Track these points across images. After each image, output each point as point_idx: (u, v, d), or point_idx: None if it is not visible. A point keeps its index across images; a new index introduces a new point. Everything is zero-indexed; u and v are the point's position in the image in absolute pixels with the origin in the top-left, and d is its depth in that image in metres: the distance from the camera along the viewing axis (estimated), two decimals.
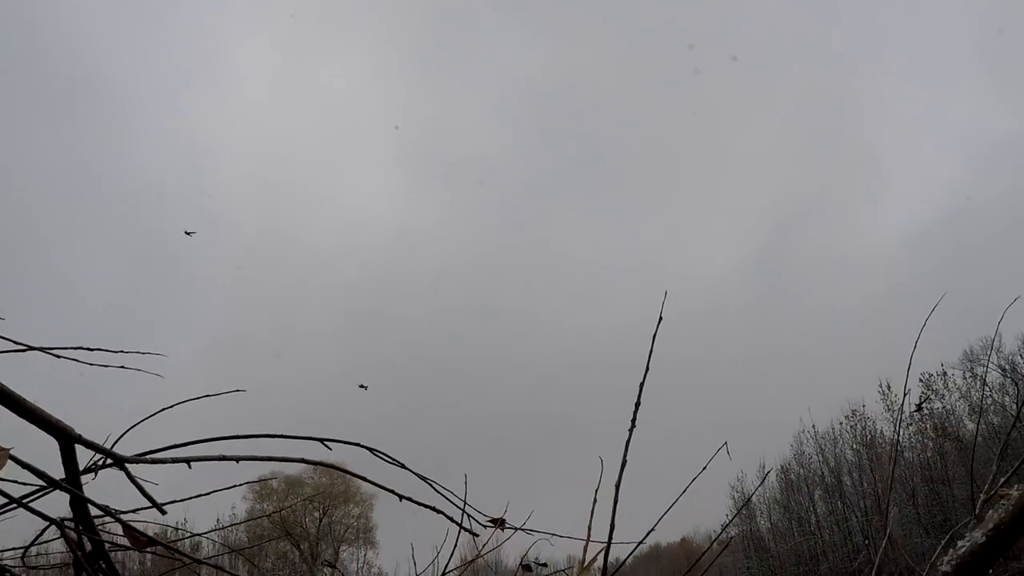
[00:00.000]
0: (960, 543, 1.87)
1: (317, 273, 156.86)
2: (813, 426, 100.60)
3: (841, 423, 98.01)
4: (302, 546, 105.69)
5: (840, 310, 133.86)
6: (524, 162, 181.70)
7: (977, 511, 4.22)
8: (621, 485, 2.57)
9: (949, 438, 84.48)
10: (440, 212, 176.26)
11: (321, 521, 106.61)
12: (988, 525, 1.86)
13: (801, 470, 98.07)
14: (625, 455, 2.05)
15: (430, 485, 3.19)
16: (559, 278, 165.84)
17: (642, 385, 2.14)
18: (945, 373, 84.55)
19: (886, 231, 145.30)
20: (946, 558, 1.85)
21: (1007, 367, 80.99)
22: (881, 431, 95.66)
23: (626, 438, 2.09)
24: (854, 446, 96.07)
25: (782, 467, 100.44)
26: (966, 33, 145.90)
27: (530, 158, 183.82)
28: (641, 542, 2.95)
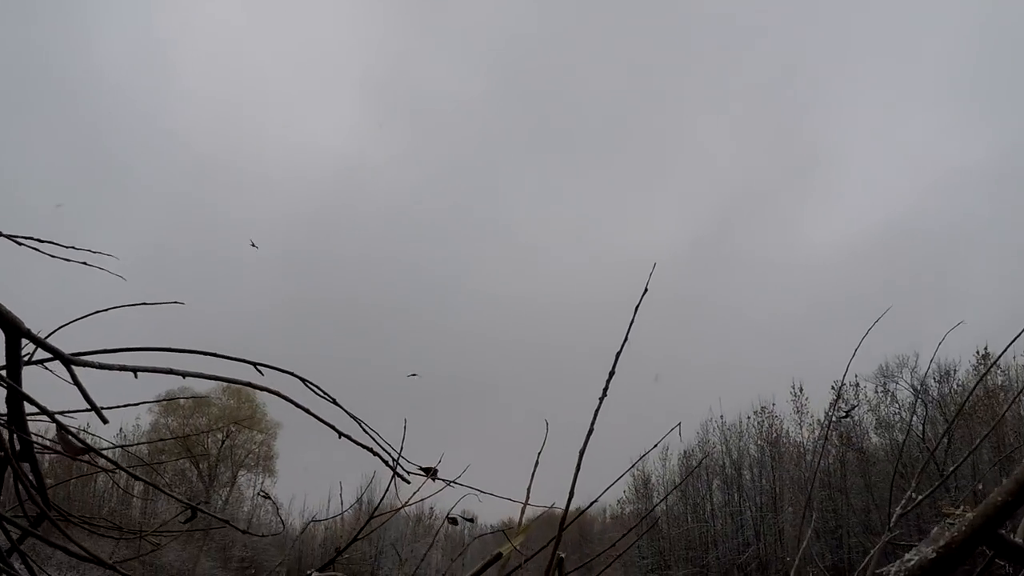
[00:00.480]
0: (908, 556, 1.89)
1: (263, 200, 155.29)
2: (721, 416, 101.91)
3: (749, 417, 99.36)
4: (201, 466, 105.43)
5: (769, 308, 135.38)
6: (488, 114, 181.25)
7: (891, 523, 4.28)
8: (562, 453, 2.56)
9: (853, 448, 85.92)
10: (394, 153, 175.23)
11: (223, 443, 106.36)
12: (939, 542, 1.88)
13: (703, 457, 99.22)
14: (592, 423, 2.05)
15: (360, 425, 3.16)
16: (501, 234, 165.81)
17: (618, 355, 2.14)
18: (858, 384, 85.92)
19: (827, 238, 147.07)
20: (893, 568, 1.86)
21: (919, 387, 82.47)
22: (787, 431, 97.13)
23: (595, 408, 2.08)
24: (759, 442, 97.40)
25: (685, 452, 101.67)
26: (934, 56, 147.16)
27: (495, 111, 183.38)
28: (588, 507, 2.95)
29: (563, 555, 2.04)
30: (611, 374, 2.10)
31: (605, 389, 2.10)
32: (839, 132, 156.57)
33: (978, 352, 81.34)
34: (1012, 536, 2.27)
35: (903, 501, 4.36)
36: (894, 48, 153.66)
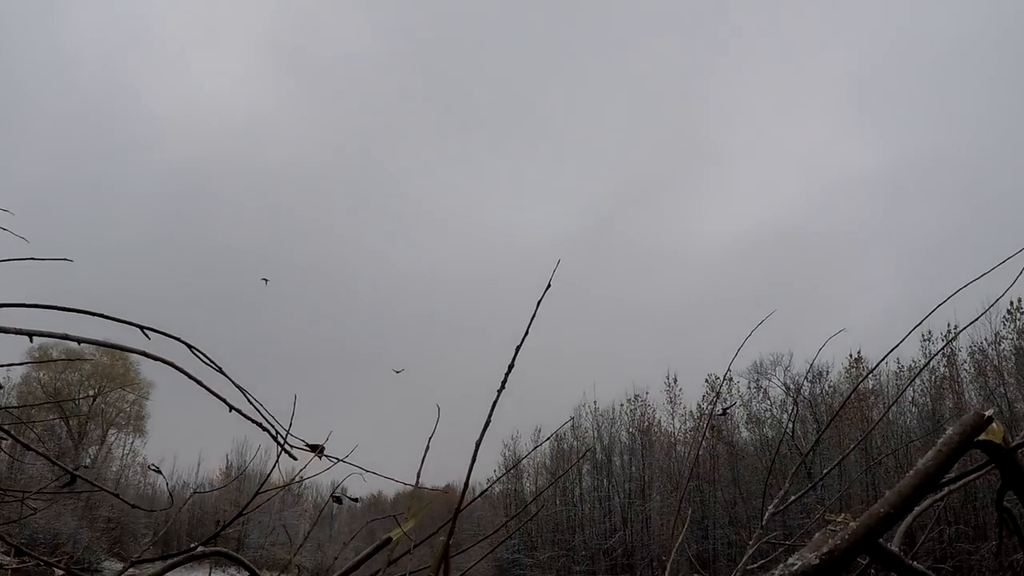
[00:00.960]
0: (792, 560, 1.93)
1: (150, 142, 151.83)
2: (595, 401, 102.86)
3: (623, 404, 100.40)
4: (71, 422, 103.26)
5: (651, 298, 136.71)
6: (390, 82, 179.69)
7: (764, 522, 4.37)
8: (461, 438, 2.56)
9: (723, 441, 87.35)
10: (291, 112, 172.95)
11: (94, 401, 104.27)
12: (822, 548, 1.92)
13: (575, 442, 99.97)
14: (489, 416, 2.04)
15: (247, 397, 3.12)
16: (389, 202, 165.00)
17: (518, 349, 2.14)
18: (731, 379, 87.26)
19: (715, 234, 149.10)
20: (777, 572, 1.90)
21: (791, 387, 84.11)
22: (660, 420, 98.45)
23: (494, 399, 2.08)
24: (630, 429, 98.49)
25: (557, 435, 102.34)
26: (833, 66, 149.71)
27: (398, 80, 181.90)
28: (485, 491, 2.95)
29: (450, 541, 2.04)
30: (510, 367, 2.10)
31: (504, 382, 2.10)
32: (736, 132, 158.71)
33: (851, 356, 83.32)
34: (888, 545, 2.34)
35: (775, 500, 4.44)
36: (796, 55, 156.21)
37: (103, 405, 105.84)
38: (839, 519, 2.11)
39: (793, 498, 4.34)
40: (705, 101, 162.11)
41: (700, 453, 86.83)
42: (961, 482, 2.73)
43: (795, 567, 1.89)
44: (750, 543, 4.27)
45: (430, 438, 2.74)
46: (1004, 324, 78.17)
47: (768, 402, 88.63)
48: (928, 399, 78.63)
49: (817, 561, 1.89)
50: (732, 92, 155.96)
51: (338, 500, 3.33)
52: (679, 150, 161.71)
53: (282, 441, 3.04)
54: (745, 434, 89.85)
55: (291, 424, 3.11)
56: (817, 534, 2.08)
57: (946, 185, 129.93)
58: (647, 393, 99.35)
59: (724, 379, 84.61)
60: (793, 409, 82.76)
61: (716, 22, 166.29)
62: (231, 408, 2.93)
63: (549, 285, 2.32)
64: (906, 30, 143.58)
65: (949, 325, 70.78)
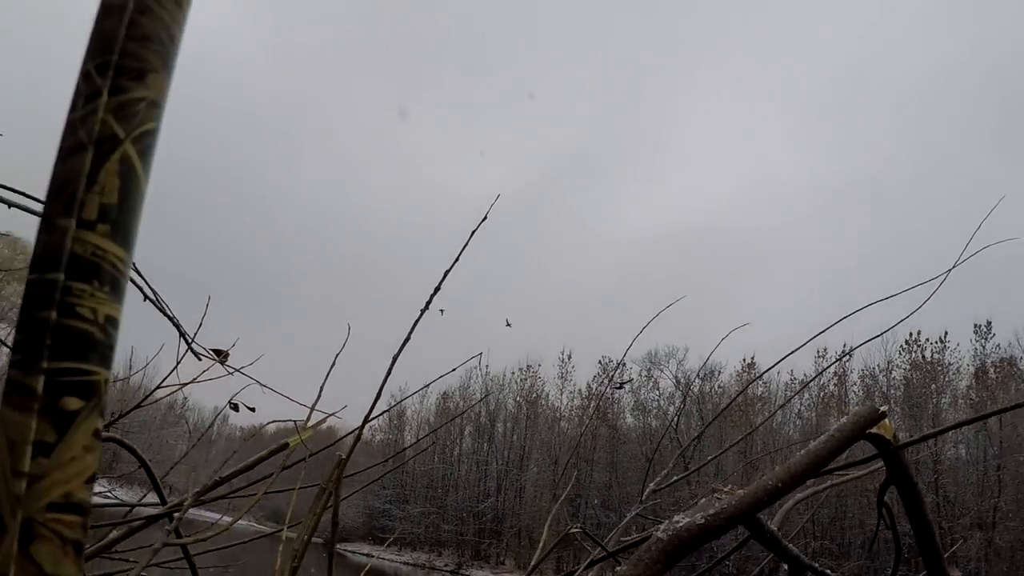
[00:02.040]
0: (677, 518, 1.99)
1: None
2: (487, 366, 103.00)
3: (514, 373, 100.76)
4: None
5: (568, 273, 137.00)
6: (343, 20, 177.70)
7: (643, 497, 4.45)
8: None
9: (607, 424, 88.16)
10: (238, 35, 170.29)
11: None
12: (708, 511, 1.98)
13: (461, 402, 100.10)
14: (409, 333, 2.07)
15: (155, 300, 3.10)
16: (332, 145, 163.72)
17: (446, 273, 2.17)
18: (624, 364, 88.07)
19: (641, 220, 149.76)
20: (662, 527, 1.95)
21: (682, 380, 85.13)
22: (548, 394, 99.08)
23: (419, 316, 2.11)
24: (518, 398, 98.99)
25: (444, 393, 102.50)
26: (789, 77, 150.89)
27: (350, 18, 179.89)
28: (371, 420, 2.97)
29: (343, 456, 2.06)
30: (436, 289, 2.13)
31: (428, 303, 2.13)
32: (684, 125, 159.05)
33: (744, 360, 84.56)
34: (769, 523, 2.42)
35: (658, 479, 4.52)
36: (757, 59, 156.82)
37: None
38: (726, 489, 2.17)
39: (676, 477, 4.43)
40: (660, 89, 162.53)
41: (583, 432, 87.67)
42: (847, 473, 2.82)
43: (680, 524, 1.95)
44: (627, 514, 4.35)
45: (336, 356, 2.75)
46: (899, 353, 79.98)
47: (657, 392, 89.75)
48: (814, 414, 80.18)
49: (702, 521, 1.95)
50: (689, 85, 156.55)
51: (235, 407, 3.33)
52: (624, 132, 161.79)
53: (190, 340, 3.03)
54: (630, 420, 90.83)
55: (201, 324, 3.10)
56: (703, 499, 2.14)
57: (869, 210, 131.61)
58: (539, 365, 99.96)
59: (618, 364, 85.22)
60: (681, 403, 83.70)
61: (684, 14, 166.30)
62: (145, 298, 2.91)
63: (485, 217, 2.35)
64: (856, 55, 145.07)
65: (845, 345, 72.24)
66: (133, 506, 3.31)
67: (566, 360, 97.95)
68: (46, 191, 0.62)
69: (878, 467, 2.61)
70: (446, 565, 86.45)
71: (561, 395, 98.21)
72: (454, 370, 2.96)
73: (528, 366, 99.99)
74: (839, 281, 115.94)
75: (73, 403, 0.56)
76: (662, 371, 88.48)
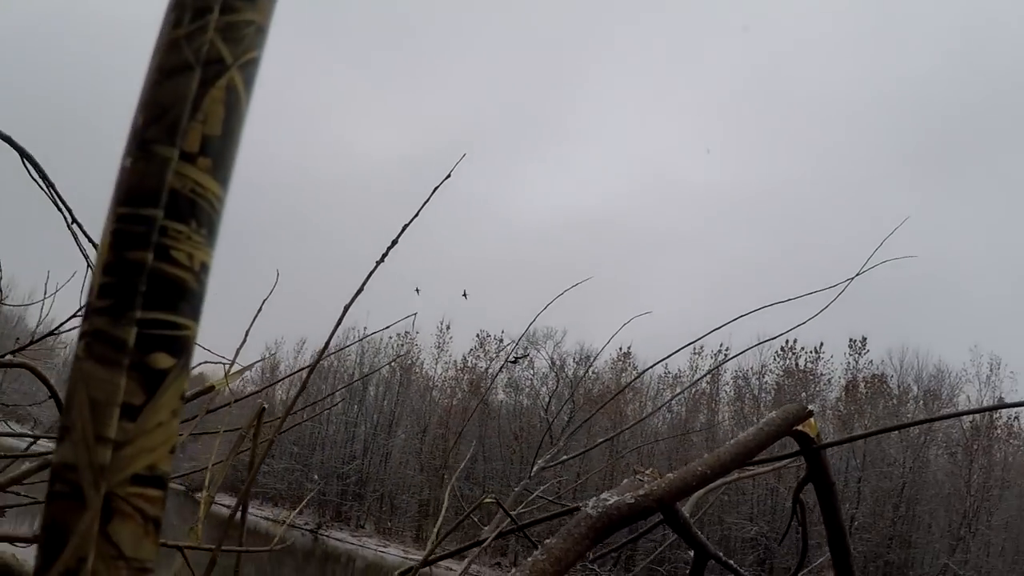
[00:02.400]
0: (605, 495, 2.01)
1: None
2: (365, 328, 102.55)
3: (392, 338, 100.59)
4: None
5: (461, 244, 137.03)
6: None
7: (532, 473, 4.49)
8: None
9: (478, 397, 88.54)
10: None
11: None
12: (638, 491, 2.01)
13: (336, 362, 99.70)
14: (363, 284, 2.07)
15: (75, 224, 3.04)
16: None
17: (405, 227, 2.18)
18: (502, 340, 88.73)
19: (542, 201, 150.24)
20: (591, 503, 1.98)
21: (558, 361, 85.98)
22: (423, 362, 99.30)
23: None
24: (393, 365, 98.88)
25: (318, 353, 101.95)
26: (716, 81, 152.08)
27: None
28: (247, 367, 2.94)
29: (265, 405, 2.06)
30: (394, 242, 2.14)
31: (384, 256, 2.13)
32: (596, 114, 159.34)
33: (620, 349, 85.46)
34: (682, 509, 2.46)
35: (547, 456, 4.56)
36: (678, 59, 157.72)
37: None
38: (648, 471, 2.21)
39: (565, 457, 4.47)
40: (576, 76, 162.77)
41: (455, 403, 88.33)
42: (769, 467, 2.88)
43: (609, 502, 1.97)
44: (516, 488, 4.38)
45: (264, 301, 2.72)
46: (774, 359, 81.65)
47: (532, 371, 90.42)
48: (684, 409, 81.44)
49: (632, 501, 1.98)
50: (606, 73, 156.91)
51: None
52: (535, 113, 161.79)
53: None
54: (501, 396, 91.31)
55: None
56: (626, 480, 2.17)
57: (767, 220, 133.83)
58: (417, 332, 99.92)
59: (495, 339, 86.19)
60: (555, 385, 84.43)
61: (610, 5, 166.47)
62: (74, 220, 2.84)
63: (449, 175, 2.35)
64: (775, 68, 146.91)
65: (721, 345, 73.45)
66: (37, 438, 3.25)
67: (444, 330, 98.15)
68: (137, 110, 0.55)
69: (798, 463, 2.67)
70: (306, 523, 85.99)
71: (436, 365, 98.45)
72: (382, 329, 2.95)
73: (406, 332, 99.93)
74: (727, 284, 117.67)
75: (163, 360, 0.50)
76: (538, 351, 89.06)
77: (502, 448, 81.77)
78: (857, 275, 3.48)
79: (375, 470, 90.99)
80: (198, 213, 0.52)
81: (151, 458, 0.50)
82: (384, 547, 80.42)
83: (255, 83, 0.60)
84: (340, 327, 2.11)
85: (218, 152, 0.54)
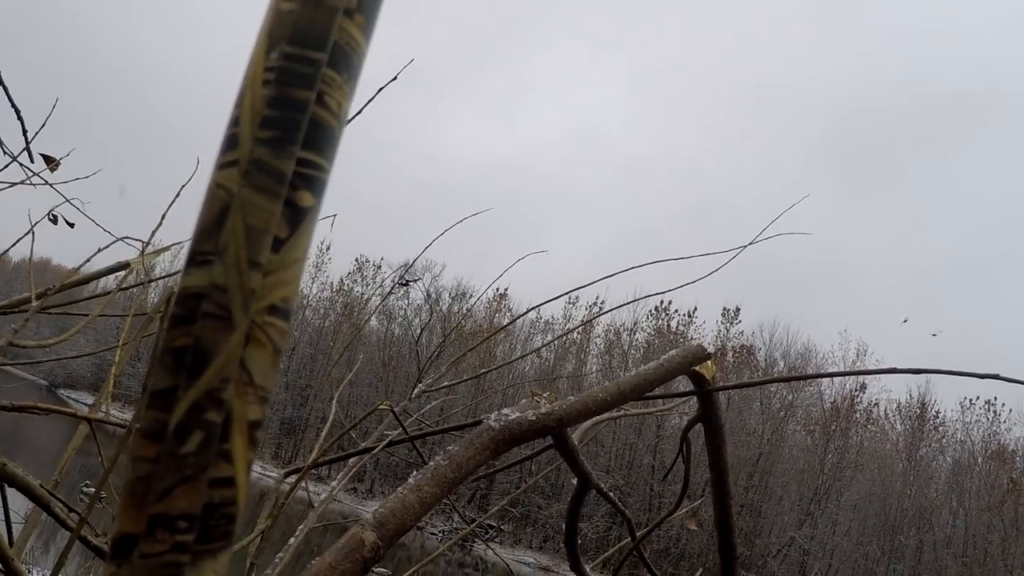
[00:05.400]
0: (507, 411, 2.06)
1: None
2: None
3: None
4: None
5: (379, 177, 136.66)
6: None
7: (413, 396, 4.53)
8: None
9: (351, 321, 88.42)
10: None
11: None
12: (540, 410, 2.06)
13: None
14: None
15: None
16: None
17: (355, 115, 2.18)
18: (380, 267, 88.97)
19: (468, 143, 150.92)
20: (492, 416, 2.02)
21: (433, 294, 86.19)
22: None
23: None
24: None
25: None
26: (652, 49, 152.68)
27: None
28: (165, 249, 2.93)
29: (176, 290, 2.05)
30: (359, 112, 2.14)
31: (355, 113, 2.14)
32: (539, 65, 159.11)
33: (497, 290, 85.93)
34: (571, 435, 2.53)
35: (428, 381, 4.60)
36: (620, 17, 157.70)
37: None
38: (545, 395, 2.26)
39: (445, 383, 4.51)
40: (517, 24, 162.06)
41: (327, 325, 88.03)
42: (669, 405, 2.96)
43: (511, 417, 2.02)
44: (396, 408, 4.41)
45: (183, 186, 2.70)
46: (647, 317, 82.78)
47: (407, 301, 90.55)
48: (552, 356, 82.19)
49: (533, 418, 2.02)
50: (545, 24, 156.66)
51: (54, 220, 3.21)
52: (473, 54, 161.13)
53: (29, 139, 2.89)
54: (374, 323, 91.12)
55: (43, 127, 2.97)
56: (524, 400, 2.22)
57: (675, 189, 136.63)
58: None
59: (374, 265, 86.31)
60: (428, 318, 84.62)
61: None
62: None
63: (396, 77, 2.36)
64: (714, 47, 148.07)
65: (597, 297, 74.23)
66: None
67: (324, 251, 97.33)
68: None
69: (691, 402, 2.75)
70: None
71: (312, 284, 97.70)
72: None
73: (341, 279, 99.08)
74: (624, 242, 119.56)
75: (307, 199, 0.52)
76: (417, 281, 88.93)
77: (370, 375, 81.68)
78: (748, 245, 3.52)
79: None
80: (349, 66, 0.54)
81: (286, 291, 0.51)
82: None
83: None
84: None
85: (370, 11, 0.55)
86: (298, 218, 0.51)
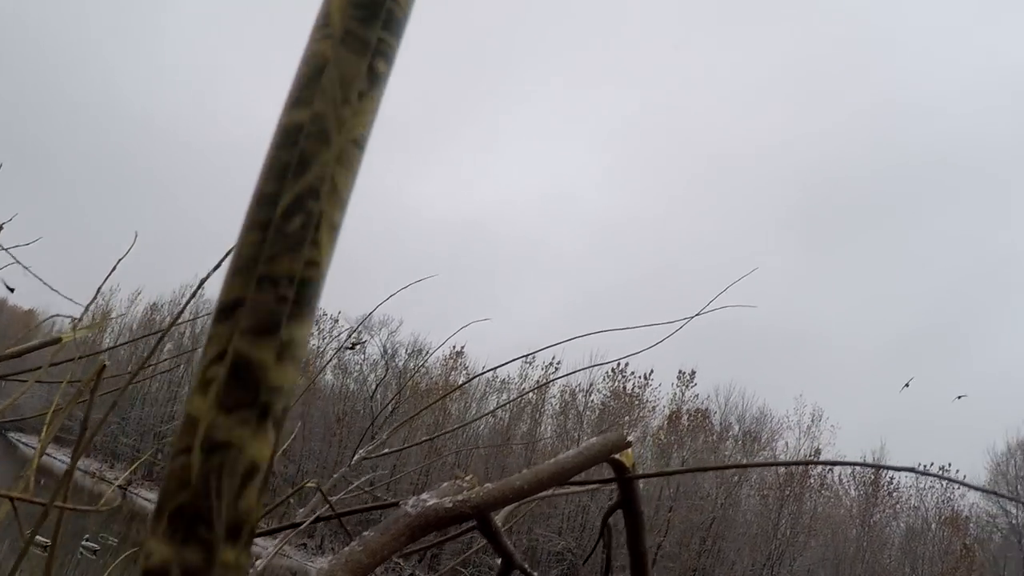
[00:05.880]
0: (425, 496, 2.09)
1: None
2: (203, 291, 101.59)
3: None
4: None
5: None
6: None
7: (352, 462, 4.54)
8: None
9: (305, 374, 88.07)
10: None
11: None
12: (457, 496, 2.09)
13: (168, 316, 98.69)
14: (226, 255, 2.11)
15: None
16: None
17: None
18: (337, 321, 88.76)
19: (440, 198, 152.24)
20: (411, 502, 2.05)
21: (390, 350, 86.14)
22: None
23: None
24: None
25: (153, 304, 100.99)
26: (618, 107, 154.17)
27: None
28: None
29: (107, 363, 2.08)
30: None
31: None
32: (508, 125, 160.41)
33: (454, 348, 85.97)
34: (495, 518, 2.55)
35: (369, 447, 4.61)
36: (590, 76, 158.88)
37: None
38: (467, 478, 2.30)
39: (388, 450, 4.52)
40: (494, 79, 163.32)
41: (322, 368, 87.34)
42: (586, 487, 2.99)
43: (428, 503, 2.05)
44: (335, 475, 4.42)
45: (119, 260, 2.72)
46: (603, 379, 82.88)
47: (363, 356, 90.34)
48: (507, 415, 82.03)
49: (450, 505, 2.06)
50: (517, 85, 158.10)
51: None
52: (443, 114, 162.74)
53: None
54: (329, 377, 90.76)
55: None
56: (446, 484, 2.26)
57: (636, 250, 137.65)
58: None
59: (331, 318, 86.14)
60: (384, 373, 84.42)
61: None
62: None
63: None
64: (682, 100, 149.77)
65: (554, 358, 74.31)
66: None
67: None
68: None
69: (611, 488, 2.78)
70: (116, 479, 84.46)
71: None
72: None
73: None
74: (583, 304, 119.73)
75: (383, 66, 0.63)
76: (372, 337, 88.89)
77: (324, 429, 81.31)
78: (696, 315, 3.58)
79: None
80: (397, 29, 0.64)
81: (361, 132, 0.62)
82: None
83: None
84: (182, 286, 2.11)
85: None
86: (375, 79, 0.63)
